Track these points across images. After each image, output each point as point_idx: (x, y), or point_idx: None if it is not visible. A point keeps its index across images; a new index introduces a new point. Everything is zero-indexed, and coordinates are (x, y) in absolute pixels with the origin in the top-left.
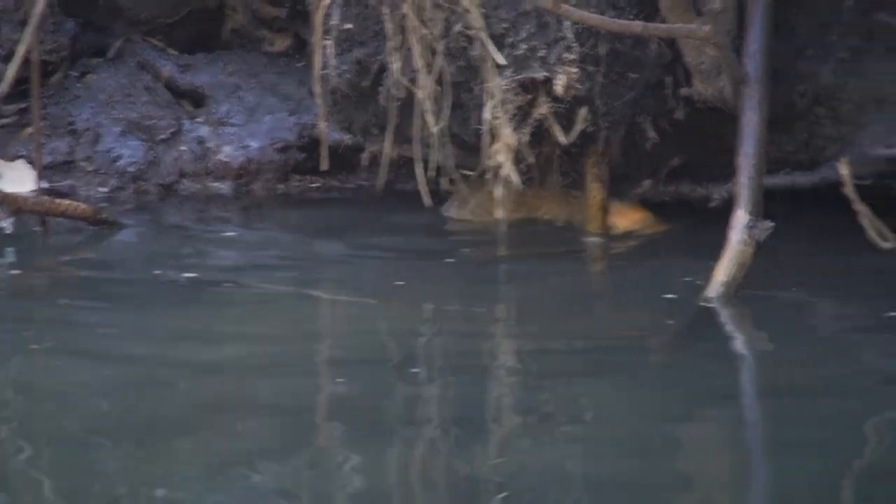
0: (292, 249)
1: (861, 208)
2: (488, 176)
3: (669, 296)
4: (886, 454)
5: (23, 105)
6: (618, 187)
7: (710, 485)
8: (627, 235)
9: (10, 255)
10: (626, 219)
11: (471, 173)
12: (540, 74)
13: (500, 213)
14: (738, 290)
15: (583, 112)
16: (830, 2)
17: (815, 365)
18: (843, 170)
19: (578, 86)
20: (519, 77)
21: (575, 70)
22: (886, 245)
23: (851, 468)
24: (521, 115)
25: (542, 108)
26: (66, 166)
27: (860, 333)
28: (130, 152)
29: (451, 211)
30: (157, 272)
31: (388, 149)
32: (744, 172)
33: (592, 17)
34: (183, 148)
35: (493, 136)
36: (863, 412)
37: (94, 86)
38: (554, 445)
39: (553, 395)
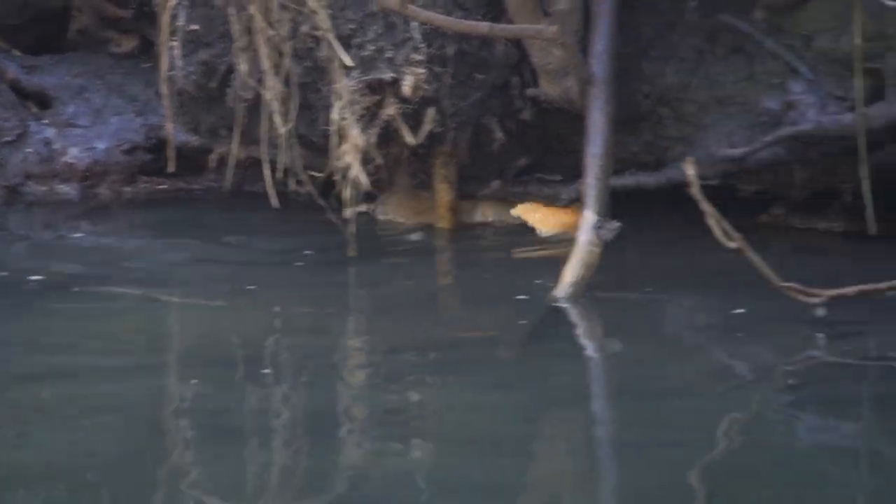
0: (139, 252)
1: (707, 208)
2: (336, 177)
3: (520, 297)
4: (731, 454)
5: None
6: (466, 187)
7: (559, 484)
8: (479, 234)
9: None
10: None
11: (319, 175)
12: (387, 75)
13: (348, 213)
14: (586, 291)
15: (430, 113)
16: (674, 3)
17: (663, 365)
18: (689, 170)
19: (426, 86)
20: (366, 78)
21: (422, 71)
22: (732, 245)
23: (697, 468)
24: (368, 116)
25: (390, 109)
26: None
27: (707, 333)
28: None
29: (378, 212)
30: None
31: (235, 150)
32: (590, 173)
33: (439, 18)
34: (29, 150)
35: (341, 138)
36: (709, 412)
37: None
38: (404, 446)
39: (403, 396)
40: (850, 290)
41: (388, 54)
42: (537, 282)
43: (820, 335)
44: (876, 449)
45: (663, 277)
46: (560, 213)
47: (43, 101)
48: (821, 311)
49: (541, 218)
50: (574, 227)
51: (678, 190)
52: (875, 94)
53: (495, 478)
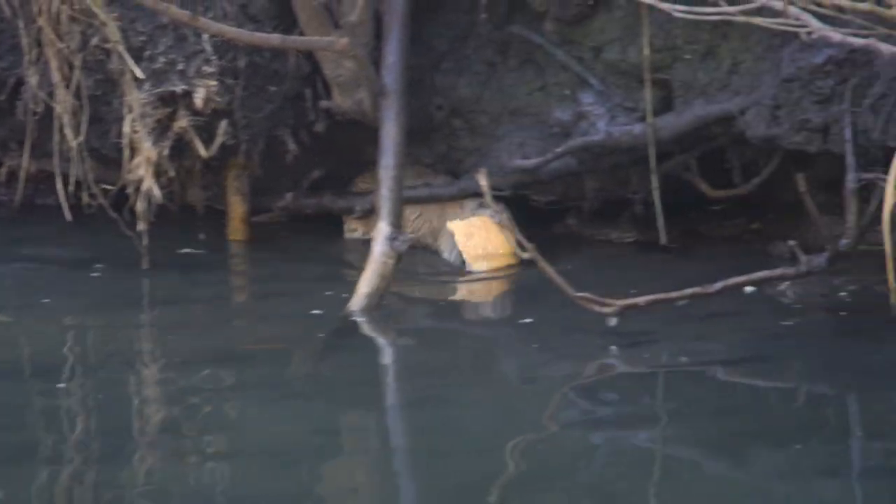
0: None
1: (501, 219)
2: (129, 190)
3: (315, 311)
4: (527, 461)
5: None
6: (260, 200)
7: (356, 495)
8: (275, 247)
9: None
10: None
11: (111, 187)
12: (179, 87)
13: (140, 226)
14: (381, 301)
15: (223, 125)
16: (465, 15)
17: (458, 375)
18: (482, 181)
19: (218, 99)
20: (158, 90)
21: (214, 83)
22: (526, 255)
23: (492, 475)
24: (160, 129)
25: (182, 122)
26: None
27: (499, 342)
28: None
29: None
30: None
31: (26, 163)
32: (384, 184)
33: (230, 31)
34: None
35: (133, 150)
36: (505, 420)
37: None
38: (199, 460)
39: (198, 410)
40: (641, 299)
41: (180, 66)
42: (330, 294)
43: (613, 345)
44: (669, 454)
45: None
46: (494, 247)
47: None
48: (613, 321)
49: (473, 246)
50: (505, 265)
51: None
52: (664, 105)
53: (291, 490)
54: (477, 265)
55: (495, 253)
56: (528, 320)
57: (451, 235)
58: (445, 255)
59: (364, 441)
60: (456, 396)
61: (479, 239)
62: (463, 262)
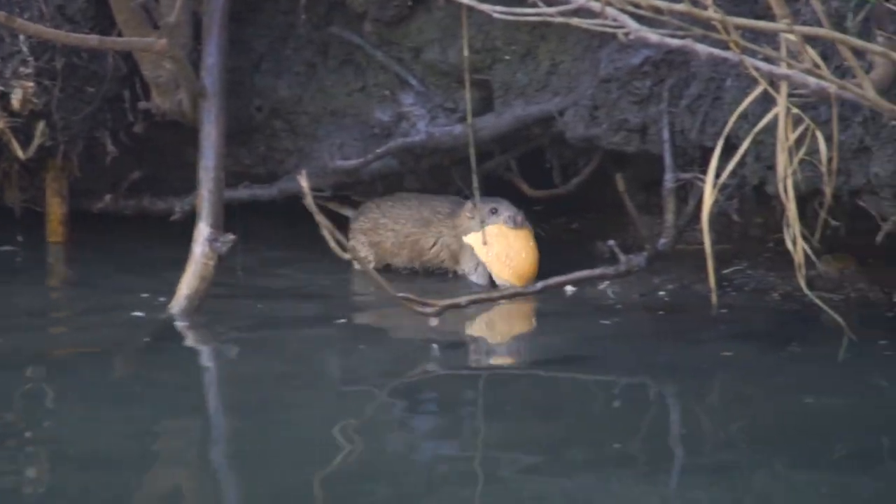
0: None
1: (321, 220)
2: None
3: (136, 313)
4: (350, 461)
5: None
6: (79, 202)
7: (179, 496)
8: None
9: None
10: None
11: None
12: None
13: None
14: (202, 303)
15: (41, 126)
16: (285, 17)
17: (278, 377)
18: (303, 182)
19: (35, 100)
20: None
21: (31, 84)
22: (346, 256)
23: (316, 475)
24: None
25: None
26: None
27: (319, 343)
28: None
29: None
30: None
31: None
32: (204, 186)
33: (48, 31)
34: None
35: None
36: (327, 420)
37: None
38: (18, 465)
39: (16, 415)
40: (462, 299)
41: None
42: (150, 296)
43: (434, 345)
44: (490, 455)
45: (276, 290)
46: (515, 252)
47: None
48: (434, 321)
49: (495, 256)
50: (527, 279)
51: (294, 202)
52: (484, 106)
53: (112, 494)
54: (503, 275)
55: (517, 258)
56: (342, 321)
57: (471, 250)
58: (472, 277)
59: (186, 445)
60: (278, 399)
61: (499, 247)
62: (491, 279)
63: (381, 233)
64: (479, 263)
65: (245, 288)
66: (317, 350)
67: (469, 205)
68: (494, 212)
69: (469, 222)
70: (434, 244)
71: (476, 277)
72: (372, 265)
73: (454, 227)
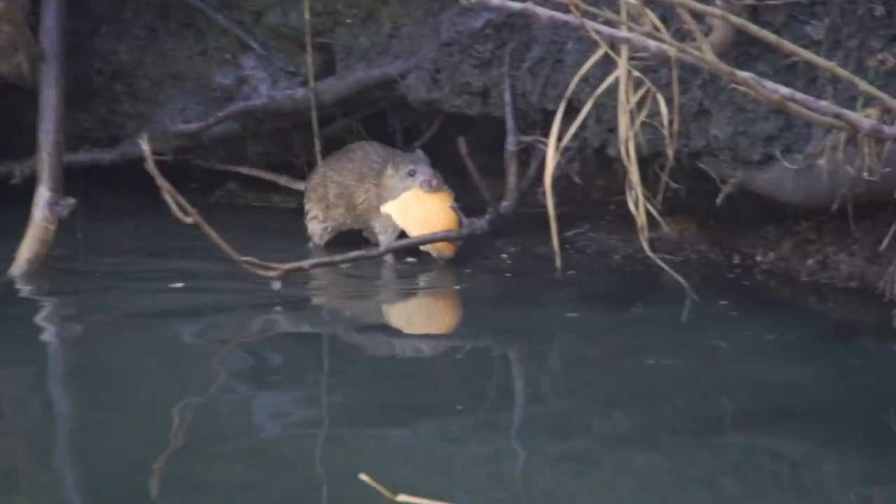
0: None
1: (162, 184)
2: None
3: None
4: (191, 424)
5: None
6: None
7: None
8: None
9: None
10: None
11: None
12: None
13: None
14: (42, 267)
15: None
16: None
17: (121, 340)
18: (144, 146)
19: None
20: None
21: None
22: (189, 220)
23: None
24: None
25: None
26: None
27: (164, 304)
28: None
29: None
30: None
31: None
32: (44, 149)
33: None
34: None
35: None
36: (170, 388)
37: None
38: None
39: None
40: (306, 263)
41: None
42: None
43: (278, 307)
44: (332, 415)
45: (120, 254)
46: (433, 214)
47: None
48: (278, 285)
49: (413, 220)
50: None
51: (136, 165)
52: (326, 70)
53: None
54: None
55: (435, 221)
56: (179, 284)
57: (389, 218)
58: (381, 237)
59: (25, 411)
60: (121, 363)
61: (416, 211)
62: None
63: (328, 185)
64: (390, 228)
65: (86, 251)
66: (160, 312)
67: (390, 164)
68: (412, 174)
69: (390, 181)
70: (363, 200)
71: (383, 238)
72: (328, 229)
73: (378, 185)
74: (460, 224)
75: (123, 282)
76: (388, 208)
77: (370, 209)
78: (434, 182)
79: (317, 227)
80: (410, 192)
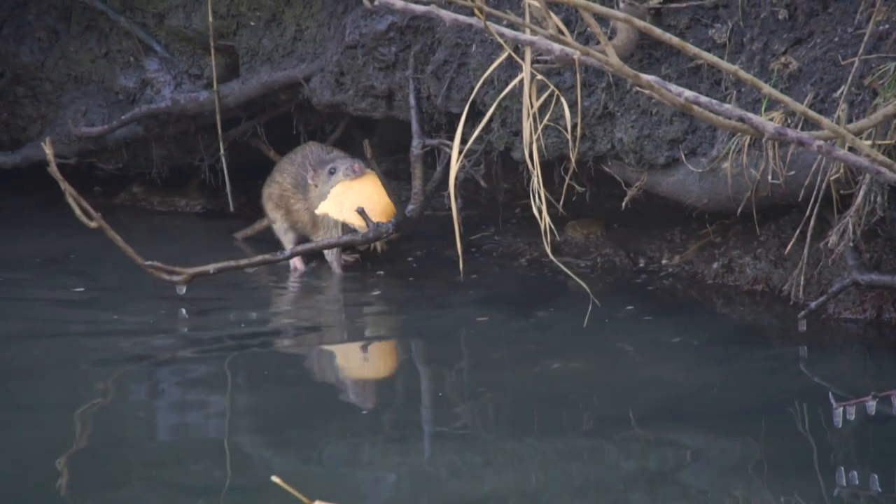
0: None
1: (66, 187)
2: None
3: None
4: (91, 430)
5: None
6: None
7: None
8: None
9: None
10: None
11: None
12: None
13: None
14: None
15: None
16: None
17: (22, 346)
18: (47, 149)
19: None
20: None
21: None
22: (93, 225)
23: (58, 446)
24: None
25: None
26: None
27: (64, 310)
28: None
29: None
30: None
31: None
32: None
33: None
34: None
35: None
36: (71, 390)
37: None
38: None
39: None
40: (211, 267)
41: None
42: None
43: (183, 310)
44: (235, 422)
45: (23, 257)
46: (368, 199)
47: None
48: (183, 289)
49: (349, 209)
50: (391, 214)
51: (39, 169)
52: (230, 72)
53: None
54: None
55: (370, 202)
56: (80, 289)
57: (328, 218)
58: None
59: None
60: (26, 368)
61: (350, 200)
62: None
63: (273, 185)
64: (333, 229)
65: None
66: (62, 318)
67: (310, 175)
68: (333, 171)
69: (315, 190)
70: (297, 208)
71: (332, 242)
72: (286, 229)
73: (305, 199)
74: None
75: (26, 286)
76: (323, 208)
77: (307, 217)
78: (356, 167)
79: (280, 233)
80: (338, 185)
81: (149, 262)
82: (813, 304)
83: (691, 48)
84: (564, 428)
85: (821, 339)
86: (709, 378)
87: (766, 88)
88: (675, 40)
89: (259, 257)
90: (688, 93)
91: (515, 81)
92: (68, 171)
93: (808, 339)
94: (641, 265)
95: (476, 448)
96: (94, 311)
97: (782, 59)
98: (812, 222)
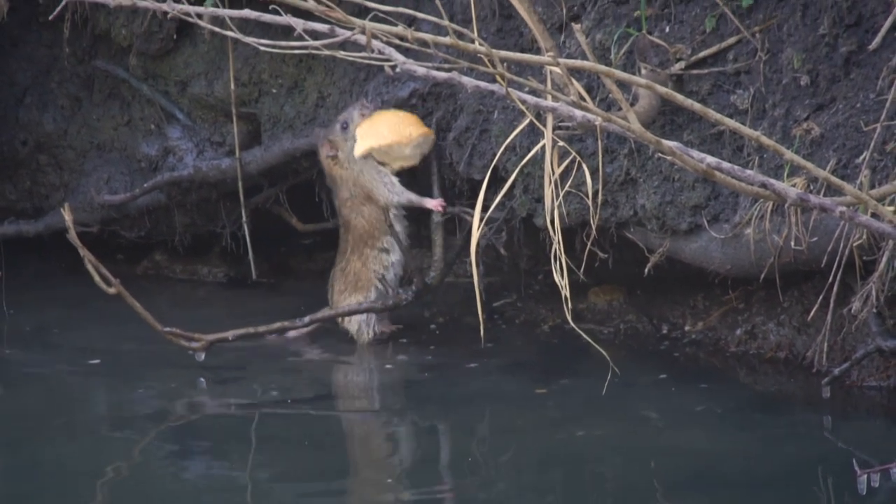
0: None
1: (86, 255)
2: None
3: None
4: (117, 500)
5: None
6: None
7: None
8: None
9: None
10: None
11: None
12: None
13: None
14: None
15: None
16: (49, 50)
17: (39, 416)
18: (67, 216)
19: None
20: None
21: None
22: (112, 291)
23: None
24: None
25: None
26: None
27: (83, 377)
28: None
29: None
30: None
31: None
32: None
33: None
34: None
35: None
36: (93, 457)
37: None
38: None
39: None
40: (230, 333)
41: None
42: None
43: (202, 379)
44: (263, 489)
45: (40, 328)
46: (396, 118)
47: None
48: (202, 356)
49: (385, 129)
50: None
51: (62, 238)
52: (252, 139)
53: None
54: (405, 133)
55: (396, 120)
56: (94, 361)
57: (374, 170)
58: (396, 198)
59: None
60: (45, 436)
61: (381, 124)
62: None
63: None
64: (388, 181)
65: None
66: (82, 385)
67: (325, 147)
68: (346, 125)
69: (343, 153)
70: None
71: (398, 195)
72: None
73: (340, 168)
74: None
75: (44, 355)
76: (361, 148)
77: (361, 194)
78: (365, 103)
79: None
80: (361, 125)
81: (167, 329)
82: (836, 371)
83: (713, 114)
84: (588, 495)
85: (844, 406)
86: (732, 446)
87: (789, 154)
88: (698, 106)
89: (278, 324)
90: (710, 159)
91: (537, 148)
92: (91, 239)
93: (832, 407)
94: (664, 331)
95: None
96: (112, 379)
97: (804, 125)
98: (835, 288)
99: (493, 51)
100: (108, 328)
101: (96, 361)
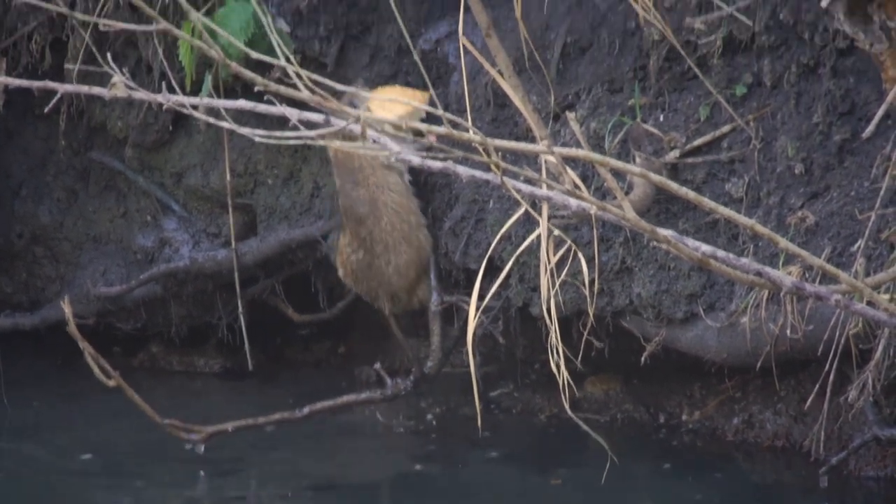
0: None
1: (85, 346)
2: None
3: None
4: None
5: None
6: None
7: None
8: None
9: None
10: None
11: None
12: None
13: None
14: None
15: None
16: (44, 142)
17: None
18: (66, 309)
19: None
20: None
21: None
22: (111, 383)
23: None
24: None
25: None
26: None
27: (74, 474)
28: None
29: None
30: None
31: None
32: None
33: None
34: None
35: None
36: None
37: None
38: None
39: None
40: (229, 425)
41: None
42: None
43: (201, 472)
44: None
45: (37, 420)
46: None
47: None
48: (201, 448)
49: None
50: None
51: (57, 331)
52: (248, 230)
53: None
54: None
55: (402, 92)
56: (86, 456)
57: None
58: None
59: None
60: None
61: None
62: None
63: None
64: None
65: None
66: (76, 481)
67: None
68: (353, 104)
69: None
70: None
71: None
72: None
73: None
74: None
75: (36, 452)
76: (375, 110)
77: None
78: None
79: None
80: (373, 102)
81: (167, 421)
82: (833, 460)
83: (708, 202)
84: None
85: (842, 495)
86: None
87: (783, 243)
88: (692, 195)
89: (277, 415)
90: (705, 247)
91: (532, 237)
92: (87, 331)
93: (829, 496)
94: (662, 420)
95: None
96: (110, 476)
97: (799, 214)
98: (832, 377)
99: (488, 140)
100: (110, 422)
101: (88, 456)
